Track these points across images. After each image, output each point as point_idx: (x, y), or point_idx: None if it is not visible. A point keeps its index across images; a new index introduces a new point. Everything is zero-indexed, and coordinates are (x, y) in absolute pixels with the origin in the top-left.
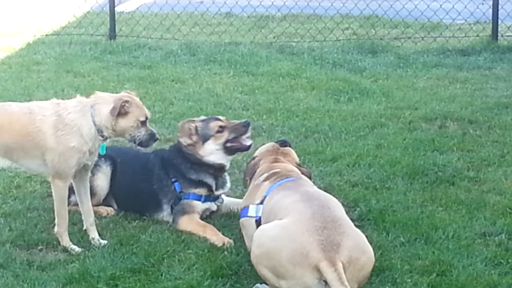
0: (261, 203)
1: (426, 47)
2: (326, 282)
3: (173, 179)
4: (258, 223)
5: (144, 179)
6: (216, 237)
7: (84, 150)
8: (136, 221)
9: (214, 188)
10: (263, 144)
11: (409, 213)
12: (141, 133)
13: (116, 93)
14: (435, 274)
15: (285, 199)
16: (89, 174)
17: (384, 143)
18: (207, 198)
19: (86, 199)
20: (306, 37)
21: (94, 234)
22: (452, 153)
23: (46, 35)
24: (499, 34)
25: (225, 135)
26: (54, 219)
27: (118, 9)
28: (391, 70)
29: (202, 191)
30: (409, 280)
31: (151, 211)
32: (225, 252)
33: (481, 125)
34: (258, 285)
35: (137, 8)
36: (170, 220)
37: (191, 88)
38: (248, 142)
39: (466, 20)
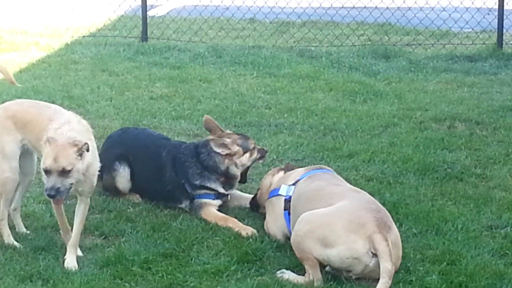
0: (294, 184)
1: (436, 53)
2: (373, 254)
3: (182, 181)
4: (288, 202)
5: (158, 179)
6: (239, 227)
7: None
8: (168, 210)
9: (222, 191)
10: (285, 140)
11: (420, 206)
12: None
13: (148, 91)
14: (445, 263)
15: (336, 187)
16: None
17: (397, 141)
18: (218, 196)
19: (77, 218)
20: (324, 42)
21: (66, 255)
22: (460, 152)
23: (83, 36)
24: (504, 42)
25: (255, 153)
26: (92, 207)
27: (150, 13)
28: (403, 74)
29: (210, 192)
30: (421, 268)
31: (172, 204)
32: (250, 240)
33: (487, 126)
34: (283, 270)
35: (168, 13)
36: (191, 209)
37: (217, 88)
38: None
39: (473, 29)
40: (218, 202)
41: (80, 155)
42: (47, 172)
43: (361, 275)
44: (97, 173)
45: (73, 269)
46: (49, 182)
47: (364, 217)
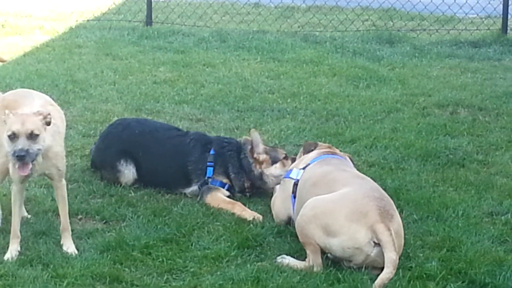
0: (304, 169)
1: (440, 38)
2: (375, 243)
3: (209, 163)
4: (295, 185)
5: (178, 160)
6: (245, 212)
7: None
8: (169, 195)
9: (236, 190)
10: (287, 125)
11: (421, 192)
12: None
13: (152, 75)
14: (445, 250)
15: (341, 173)
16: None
17: (400, 127)
18: (230, 188)
19: (59, 205)
20: (329, 27)
21: (63, 240)
22: (462, 138)
23: (88, 20)
24: (508, 28)
25: (289, 163)
26: (93, 191)
27: None
28: (407, 60)
29: (227, 181)
30: (421, 255)
31: (179, 187)
32: (251, 225)
33: (490, 112)
34: (284, 255)
35: None
36: (196, 195)
37: (221, 72)
38: None
39: (477, 15)
40: (226, 193)
41: (47, 124)
42: (15, 136)
43: (361, 265)
44: (64, 159)
45: (73, 254)
46: (18, 145)
47: (367, 205)
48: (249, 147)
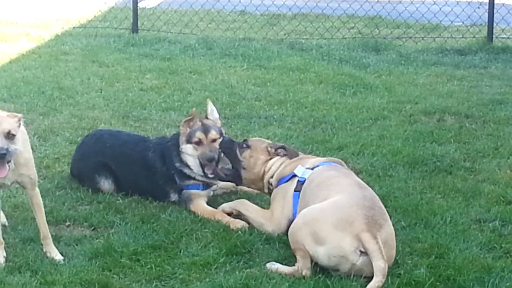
0: (312, 169)
1: (426, 46)
2: (361, 252)
3: (172, 172)
4: (300, 184)
5: (147, 175)
6: (228, 221)
7: None
8: (157, 202)
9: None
10: (274, 132)
11: (409, 199)
12: None
13: (138, 82)
14: (433, 256)
15: (344, 179)
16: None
17: (387, 134)
18: (206, 187)
19: (37, 214)
20: (315, 34)
21: (46, 248)
22: (449, 145)
23: (74, 27)
24: (494, 36)
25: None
26: (81, 198)
27: (140, 5)
28: (393, 67)
29: (197, 181)
30: (409, 261)
31: (160, 198)
32: (239, 232)
33: (476, 120)
34: (273, 262)
35: (158, 5)
36: (180, 203)
37: (207, 80)
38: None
39: (463, 22)
40: (206, 192)
41: (18, 126)
42: None
43: (349, 273)
44: (34, 167)
45: (61, 260)
46: None
47: (354, 214)
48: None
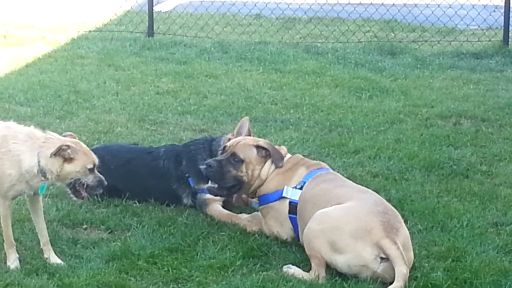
0: (300, 188)
1: (442, 50)
2: (382, 259)
3: (186, 175)
4: (294, 206)
5: (160, 185)
6: (245, 224)
7: (21, 181)
8: (173, 205)
9: None
10: (291, 136)
11: (426, 203)
12: (89, 179)
13: (154, 86)
14: (450, 260)
15: (340, 189)
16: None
17: (403, 138)
18: None
19: (38, 220)
20: (330, 38)
21: (48, 254)
22: (466, 149)
23: (89, 31)
24: (510, 39)
25: None
26: (98, 201)
27: (156, 8)
28: (409, 71)
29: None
30: (426, 265)
31: (174, 203)
32: (256, 235)
33: (493, 123)
34: (289, 265)
35: (174, 8)
36: (193, 206)
37: (223, 83)
38: None
39: (479, 26)
40: (220, 197)
41: None
42: None
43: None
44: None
45: (62, 263)
46: (100, 175)
47: (371, 222)
48: (227, 137)
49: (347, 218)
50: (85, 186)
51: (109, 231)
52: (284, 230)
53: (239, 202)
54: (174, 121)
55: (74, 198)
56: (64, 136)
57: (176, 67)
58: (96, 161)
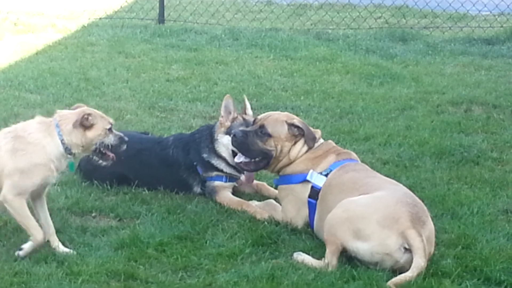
0: (326, 175)
1: (453, 36)
2: (405, 249)
3: (194, 163)
4: (315, 192)
5: (170, 174)
6: (255, 211)
7: (52, 168)
8: (183, 192)
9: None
10: None
11: (436, 190)
12: (111, 139)
13: (165, 73)
14: (460, 247)
15: (371, 179)
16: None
17: (414, 125)
18: (230, 179)
19: (43, 211)
20: (341, 25)
21: (55, 244)
22: (477, 135)
23: (100, 18)
24: None
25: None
26: (107, 189)
27: None
28: (420, 57)
29: (222, 173)
30: (436, 252)
31: (183, 191)
32: (265, 223)
33: (504, 110)
34: (300, 252)
35: None
36: (203, 194)
37: (233, 70)
38: None
39: (491, 12)
40: (230, 184)
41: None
42: None
43: (386, 269)
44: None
45: (70, 251)
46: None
47: (399, 211)
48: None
49: (375, 206)
50: (109, 147)
51: (118, 219)
52: (299, 215)
53: (248, 183)
54: (184, 108)
55: (104, 163)
56: (74, 108)
57: (187, 54)
58: (112, 120)
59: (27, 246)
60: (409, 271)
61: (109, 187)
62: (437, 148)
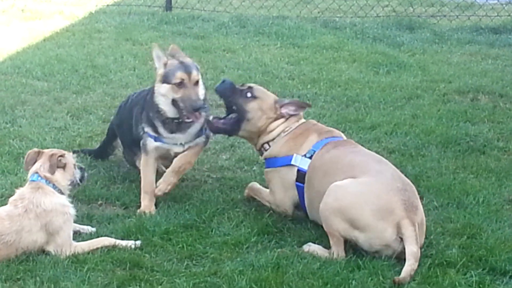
0: (310, 157)
1: (461, 24)
2: (401, 239)
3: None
4: (302, 174)
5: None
6: (161, 188)
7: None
8: (189, 181)
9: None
10: (308, 111)
11: (442, 179)
12: (78, 173)
13: None
14: (465, 237)
15: (353, 156)
16: None
17: (420, 113)
18: (157, 138)
19: None
20: (349, 13)
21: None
22: (483, 124)
23: (107, 5)
24: None
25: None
26: (113, 177)
27: None
28: (427, 46)
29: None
30: (441, 241)
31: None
32: (271, 211)
33: (511, 99)
34: (310, 243)
35: None
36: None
37: (241, 58)
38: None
39: (498, 1)
40: (154, 144)
41: None
42: None
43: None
44: None
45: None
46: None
47: (392, 201)
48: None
49: (367, 196)
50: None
51: (124, 207)
52: (287, 197)
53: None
54: None
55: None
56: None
57: (194, 41)
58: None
59: None
60: (407, 261)
61: (115, 175)
62: (443, 137)
